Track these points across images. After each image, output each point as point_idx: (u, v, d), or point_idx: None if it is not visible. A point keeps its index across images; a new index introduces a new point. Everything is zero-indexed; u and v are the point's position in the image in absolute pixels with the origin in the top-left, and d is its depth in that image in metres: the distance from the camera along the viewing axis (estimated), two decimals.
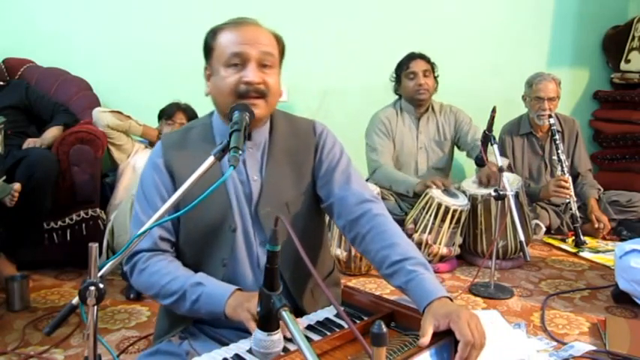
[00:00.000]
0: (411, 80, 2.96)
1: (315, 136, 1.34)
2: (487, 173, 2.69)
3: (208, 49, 1.26)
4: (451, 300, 1.08)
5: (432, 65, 3.01)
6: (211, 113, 1.33)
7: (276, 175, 1.28)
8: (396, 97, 3.11)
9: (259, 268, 1.27)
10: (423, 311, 1.06)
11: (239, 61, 1.20)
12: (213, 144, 1.27)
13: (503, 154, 3.19)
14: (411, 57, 3.00)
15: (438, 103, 3.10)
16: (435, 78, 3.02)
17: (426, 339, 0.99)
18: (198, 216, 1.22)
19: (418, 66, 2.95)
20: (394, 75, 3.06)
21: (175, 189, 1.25)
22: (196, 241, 1.26)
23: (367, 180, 2.88)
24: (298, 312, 1.27)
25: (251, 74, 1.18)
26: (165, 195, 1.25)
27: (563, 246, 2.99)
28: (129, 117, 2.72)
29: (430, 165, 3.03)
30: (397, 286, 1.14)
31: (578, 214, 2.98)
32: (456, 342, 1.00)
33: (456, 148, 3.13)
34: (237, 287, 1.16)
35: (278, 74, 1.26)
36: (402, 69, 3.00)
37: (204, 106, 1.30)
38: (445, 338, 1.01)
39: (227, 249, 1.25)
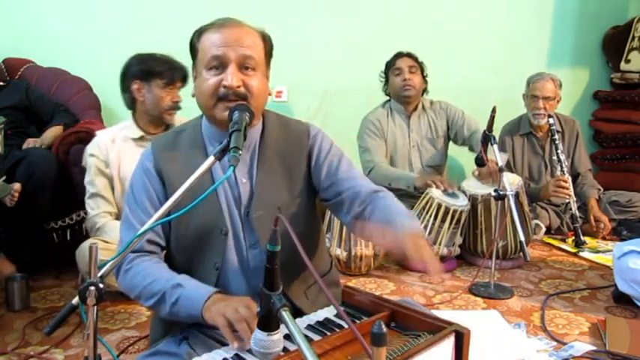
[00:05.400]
0: (397, 77, 2.97)
1: (309, 139, 1.33)
2: (488, 171, 2.69)
3: (193, 50, 1.26)
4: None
5: (420, 64, 3.01)
6: (202, 115, 1.32)
7: (268, 179, 1.27)
8: (387, 98, 3.12)
9: (250, 271, 1.26)
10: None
11: (219, 64, 1.19)
12: (202, 149, 1.27)
13: (502, 152, 3.20)
14: (398, 55, 3.03)
15: (428, 100, 3.10)
16: (424, 77, 3.02)
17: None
18: (188, 220, 1.22)
19: (404, 62, 2.97)
20: (383, 74, 3.07)
21: (166, 193, 1.25)
22: (188, 245, 1.26)
23: None
24: (294, 313, 1.26)
25: (230, 77, 1.17)
26: (155, 198, 1.25)
27: (563, 246, 2.99)
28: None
29: (424, 163, 3.03)
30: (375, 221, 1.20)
31: (578, 214, 2.98)
32: (457, 339, 1.00)
33: (452, 145, 3.12)
34: (216, 289, 1.14)
35: (263, 75, 1.24)
36: (389, 67, 3.02)
37: None
38: (446, 337, 1.01)
39: (219, 253, 1.25)
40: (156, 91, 2.17)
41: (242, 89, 1.19)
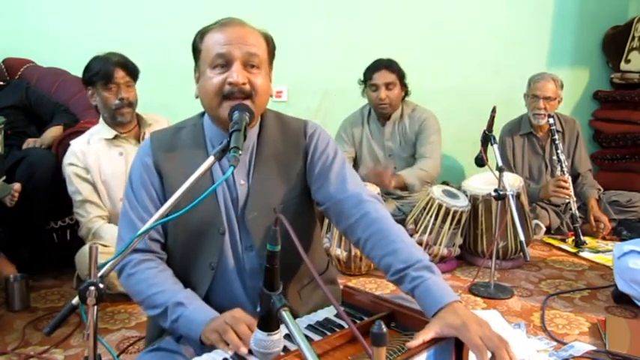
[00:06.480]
0: (373, 92, 2.88)
1: (306, 138, 1.31)
2: (375, 174, 2.67)
3: (196, 52, 1.25)
4: (460, 302, 1.05)
5: (400, 74, 2.88)
6: (202, 113, 1.31)
7: (264, 180, 1.27)
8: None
9: (246, 273, 1.26)
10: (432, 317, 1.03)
11: (224, 62, 1.18)
12: (203, 148, 1.26)
13: (503, 154, 3.19)
14: (376, 67, 2.87)
15: (411, 106, 2.98)
16: (404, 86, 2.91)
17: (414, 342, 0.96)
18: (186, 218, 1.19)
19: (381, 78, 2.84)
20: (361, 81, 2.95)
21: (164, 190, 1.24)
22: (185, 243, 1.26)
23: None
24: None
25: (235, 75, 1.16)
26: (154, 195, 1.25)
27: (563, 246, 2.99)
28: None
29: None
30: (405, 292, 1.13)
31: (578, 214, 2.98)
32: (457, 343, 1.00)
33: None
34: (216, 315, 1.13)
35: (266, 74, 1.24)
36: (366, 78, 2.91)
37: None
38: (446, 339, 1.01)
39: (215, 252, 1.24)
40: (101, 94, 2.17)
41: (247, 87, 1.18)
